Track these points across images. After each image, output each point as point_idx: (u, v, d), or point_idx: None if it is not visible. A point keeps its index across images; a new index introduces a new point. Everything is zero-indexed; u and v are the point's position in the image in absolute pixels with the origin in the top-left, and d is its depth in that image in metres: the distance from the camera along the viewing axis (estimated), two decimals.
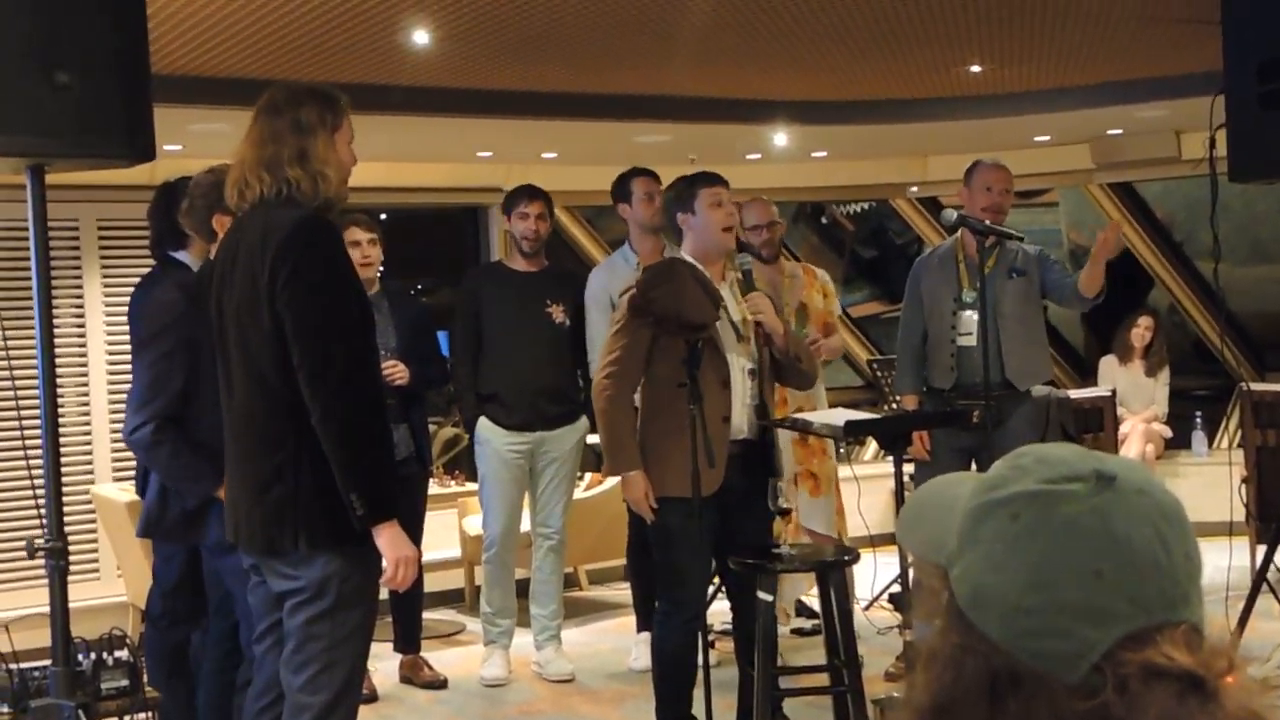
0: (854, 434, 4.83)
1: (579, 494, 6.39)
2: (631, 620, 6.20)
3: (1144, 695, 0.97)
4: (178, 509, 4.06)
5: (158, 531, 4.17)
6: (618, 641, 6.43)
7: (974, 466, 5.40)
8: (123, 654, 3.86)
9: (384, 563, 3.25)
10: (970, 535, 1.05)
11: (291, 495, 3.16)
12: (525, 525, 6.04)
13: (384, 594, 5.81)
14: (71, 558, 3.32)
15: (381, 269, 5.75)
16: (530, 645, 5.97)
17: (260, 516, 3.20)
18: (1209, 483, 6.34)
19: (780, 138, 7.31)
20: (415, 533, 5.74)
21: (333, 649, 3.17)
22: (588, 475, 7.04)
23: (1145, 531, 1.02)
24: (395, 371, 5.45)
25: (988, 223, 5.09)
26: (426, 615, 6.14)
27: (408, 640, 5.92)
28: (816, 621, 5.68)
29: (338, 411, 3.11)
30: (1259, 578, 5.30)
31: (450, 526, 7.22)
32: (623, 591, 7.12)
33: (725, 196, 4.55)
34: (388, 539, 3.16)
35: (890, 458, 4.84)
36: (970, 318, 5.29)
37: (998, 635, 1.02)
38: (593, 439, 5.50)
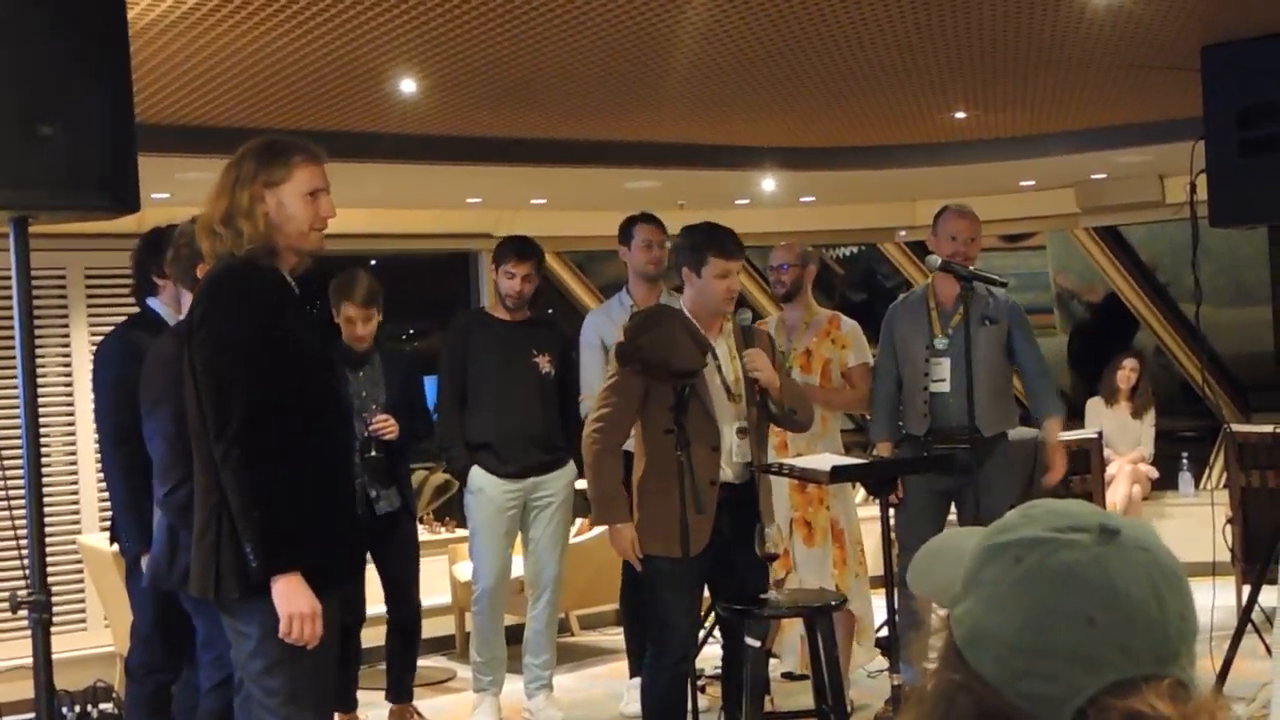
0: (840, 479, 4.81)
1: (570, 539, 6.36)
2: (623, 665, 6.17)
3: None
4: (186, 558, 4.00)
5: (168, 581, 4.07)
6: (609, 687, 6.41)
7: (953, 508, 5.42)
8: (107, 706, 3.85)
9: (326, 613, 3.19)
10: (974, 576, 1.08)
11: (216, 544, 3.18)
12: (516, 570, 6.02)
13: (378, 641, 5.87)
14: (58, 608, 3.30)
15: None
16: (521, 692, 5.94)
17: (196, 563, 3.25)
18: (1196, 523, 6.34)
19: (768, 183, 7.34)
20: (410, 582, 5.73)
21: (290, 702, 3.16)
22: (579, 520, 7.01)
23: (1143, 586, 1.03)
24: (385, 426, 5.45)
25: (971, 268, 5.12)
26: (417, 662, 6.10)
27: (400, 689, 5.87)
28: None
29: (233, 461, 3.10)
30: (1244, 618, 5.30)
31: (441, 573, 7.19)
32: (614, 637, 7.10)
33: (733, 270, 4.52)
34: (281, 591, 3.10)
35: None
36: (943, 364, 5.31)
37: (991, 674, 1.04)
38: (581, 485, 5.49)
